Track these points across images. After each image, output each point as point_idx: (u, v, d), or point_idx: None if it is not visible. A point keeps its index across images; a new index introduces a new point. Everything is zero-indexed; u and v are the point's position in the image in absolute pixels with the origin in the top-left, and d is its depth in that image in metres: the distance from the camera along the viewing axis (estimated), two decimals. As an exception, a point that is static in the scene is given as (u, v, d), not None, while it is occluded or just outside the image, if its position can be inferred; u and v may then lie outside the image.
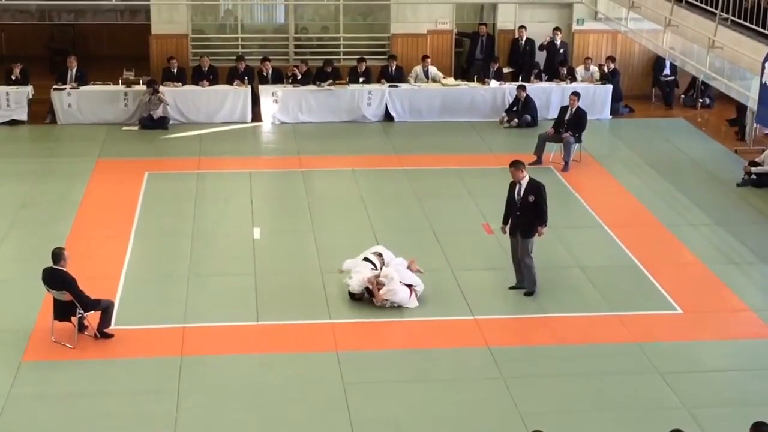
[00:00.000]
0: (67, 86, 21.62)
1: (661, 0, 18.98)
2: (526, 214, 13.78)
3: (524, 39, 23.85)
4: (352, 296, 13.70)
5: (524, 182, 13.76)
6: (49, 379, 11.82)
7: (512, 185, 13.91)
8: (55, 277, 12.36)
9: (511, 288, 14.09)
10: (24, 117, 21.52)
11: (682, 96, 24.21)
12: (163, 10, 23.43)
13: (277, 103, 21.96)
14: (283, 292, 14.06)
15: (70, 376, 11.86)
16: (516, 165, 13.81)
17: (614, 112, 22.86)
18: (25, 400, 11.34)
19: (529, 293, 13.95)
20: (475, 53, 24.17)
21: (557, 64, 23.21)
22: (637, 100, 23.97)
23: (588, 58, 23.49)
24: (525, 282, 14.04)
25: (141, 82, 21.73)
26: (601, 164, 19.69)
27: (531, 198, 13.69)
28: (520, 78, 23.23)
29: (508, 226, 14.01)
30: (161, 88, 21.34)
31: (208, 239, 15.85)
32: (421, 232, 16.11)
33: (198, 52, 23.32)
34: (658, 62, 23.99)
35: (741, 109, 21.29)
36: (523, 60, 23.81)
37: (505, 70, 23.60)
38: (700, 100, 23.84)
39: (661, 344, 12.79)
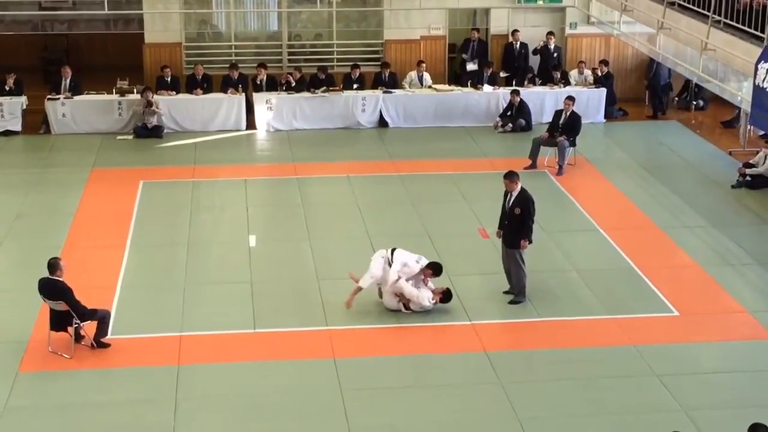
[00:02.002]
0: (61, 96, 21.62)
1: (653, 3, 19.00)
2: (512, 225, 13.81)
3: (518, 43, 23.88)
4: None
5: (515, 193, 13.79)
6: (46, 389, 11.80)
7: (506, 193, 13.96)
8: (52, 288, 12.34)
9: (506, 293, 14.10)
10: (18, 127, 21.50)
11: (676, 98, 24.25)
12: (157, 19, 23.44)
13: (272, 110, 21.96)
14: (280, 300, 14.06)
15: (67, 387, 11.84)
16: (510, 176, 13.86)
17: (608, 115, 22.88)
18: (22, 411, 11.32)
19: (515, 302, 13.91)
20: (469, 58, 24.16)
21: (551, 68, 23.23)
22: (631, 103, 23.99)
23: (582, 61, 23.52)
24: (513, 288, 14.03)
25: (135, 91, 21.73)
26: (596, 167, 19.71)
27: (517, 210, 13.71)
28: (514, 82, 23.25)
29: (501, 232, 14.08)
30: (155, 98, 21.31)
31: (204, 247, 15.84)
32: (417, 237, 16.10)
33: (192, 61, 23.33)
34: (650, 65, 24.00)
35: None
36: (518, 64, 23.83)
37: (501, 74, 23.62)
38: (694, 103, 23.87)
39: (658, 347, 12.80)
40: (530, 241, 13.83)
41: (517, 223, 13.73)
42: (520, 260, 13.81)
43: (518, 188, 13.79)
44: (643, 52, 22.56)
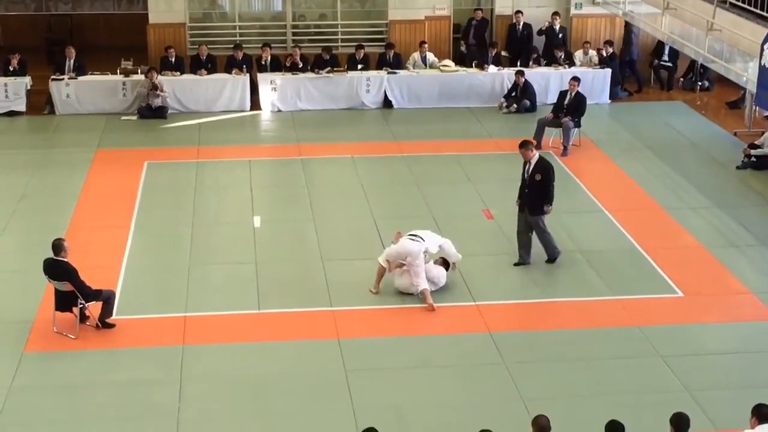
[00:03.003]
0: (65, 76, 21.59)
1: (659, -17, 18.96)
2: (532, 192, 14.17)
3: (521, 24, 23.82)
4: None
5: (533, 161, 14.18)
6: (51, 369, 11.84)
7: (524, 163, 14.33)
8: (57, 268, 12.36)
9: (516, 265, 14.30)
10: (22, 108, 21.49)
11: (681, 79, 24.18)
12: (161, -1, 23.42)
13: (276, 91, 21.93)
14: (284, 281, 14.07)
15: (72, 367, 11.88)
16: (525, 145, 14.30)
17: (613, 96, 22.83)
18: (27, 391, 11.36)
19: (551, 260, 14.40)
20: (468, 38, 24.13)
21: (553, 47, 23.15)
22: (636, 83, 23.90)
23: (586, 42, 23.44)
24: (546, 252, 14.45)
25: (139, 71, 21.70)
26: (601, 148, 19.68)
27: (537, 177, 14.10)
28: (519, 63, 23.17)
29: (519, 202, 14.48)
30: (159, 78, 21.24)
31: (209, 228, 15.85)
32: (422, 218, 16.09)
33: (196, 41, 23.29)
34: (656, 47, 23.96)
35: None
36: (521, 45, 23.77)
37: (502, 53, 23.56)
38: (699, 83, 23.81)
39: (662, 327, 12.81)
40: (551, 205, 14.26)
41: (537, 189, 14.11)
42: (541, 225, 14.19)
43: (535, 156, 14.20)
44: (648, 33, 22.47)
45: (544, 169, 14.16)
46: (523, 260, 14.36)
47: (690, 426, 9.12)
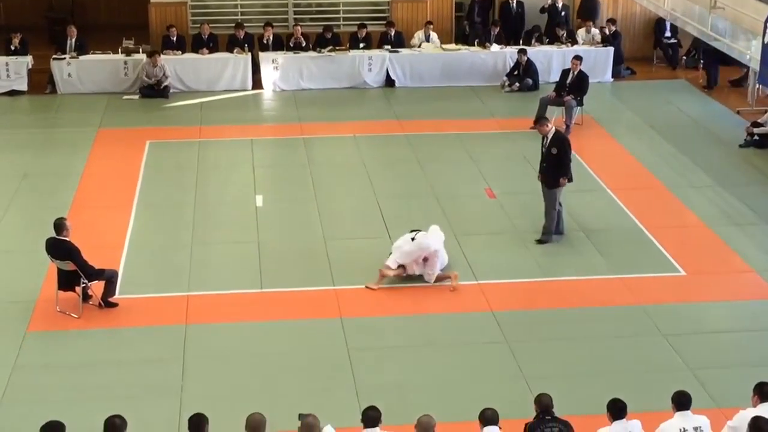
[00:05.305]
0: (67, 56, 21.54)
1: (662, -40, 18.87)
2: (549, 165, 14.36)
3: (515, 2, 23.73)
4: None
5: (550, 135, 14.38)
6: (54, 348, 11.87)
7: (542, 138, 14.53)
8: (59, 248, 12.37)
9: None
10: (24, 87, 21.44)
11: (684, 57, 24.12)
12: (162, -23, 23.32)
13: (278, 70, 21.87)
14: (287, 260, 14.08)
15: (75, 346, 11.90)
16: (539, 121, 14.79)
17: (616, 74, 22.77)
18: (30, 370, 11.39)
19: (541, 241, 14.44)
20: (473, 16, 24.06)
21: (555, 25, 23.07)
22: (639, 62, 23.86)
23: (589, 20, 23.34)
24: (542, 227, 14.54)
25: (141, 50, 21.65)
26: (603, 127, 19.65)
27: (554, 150, 14.28)
28: (520, 42, 23.08)
29: (539, 176, 14.68)
30: (162, 58, 21.13)
31: (211, 207, 15.85)
32: (424, 197, 16.10)
33: (198, 20, 23.21)
34: (658, 24, 23.87)
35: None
36: (514, 24, 23.68)
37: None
38: (702, 61, 23.73)
39: (664, 306, 12.82)
40: (570, 179, 14.44)
41: (554, 162, 14.29)
42: (555, 201, 14.35)
43: (552, 130, 14.42)
44: (651, 11, 22.38)
45: (560, 142, 14.33)
46: (557, 230, 14.64)
47: (692, 404, 9.14)
